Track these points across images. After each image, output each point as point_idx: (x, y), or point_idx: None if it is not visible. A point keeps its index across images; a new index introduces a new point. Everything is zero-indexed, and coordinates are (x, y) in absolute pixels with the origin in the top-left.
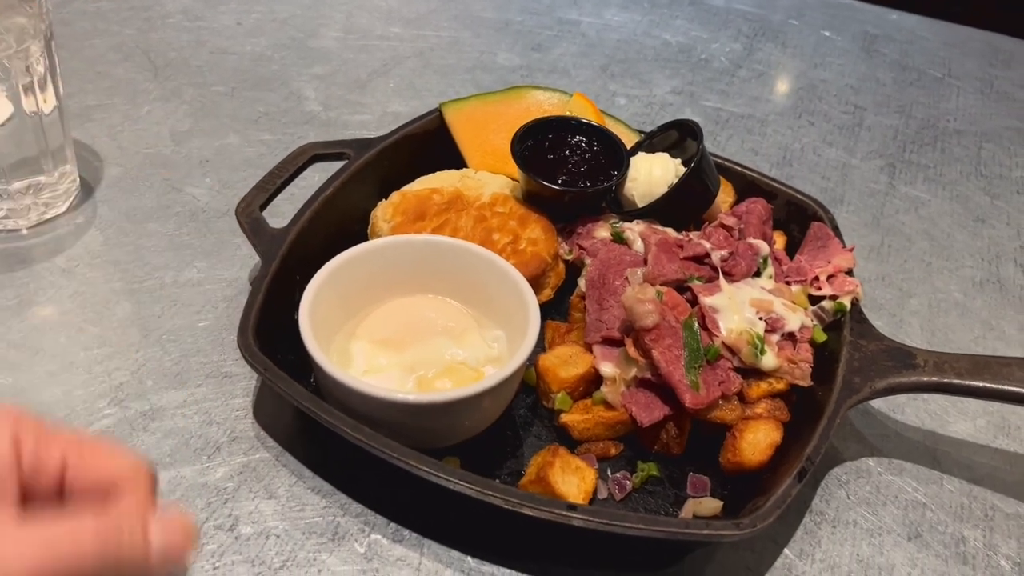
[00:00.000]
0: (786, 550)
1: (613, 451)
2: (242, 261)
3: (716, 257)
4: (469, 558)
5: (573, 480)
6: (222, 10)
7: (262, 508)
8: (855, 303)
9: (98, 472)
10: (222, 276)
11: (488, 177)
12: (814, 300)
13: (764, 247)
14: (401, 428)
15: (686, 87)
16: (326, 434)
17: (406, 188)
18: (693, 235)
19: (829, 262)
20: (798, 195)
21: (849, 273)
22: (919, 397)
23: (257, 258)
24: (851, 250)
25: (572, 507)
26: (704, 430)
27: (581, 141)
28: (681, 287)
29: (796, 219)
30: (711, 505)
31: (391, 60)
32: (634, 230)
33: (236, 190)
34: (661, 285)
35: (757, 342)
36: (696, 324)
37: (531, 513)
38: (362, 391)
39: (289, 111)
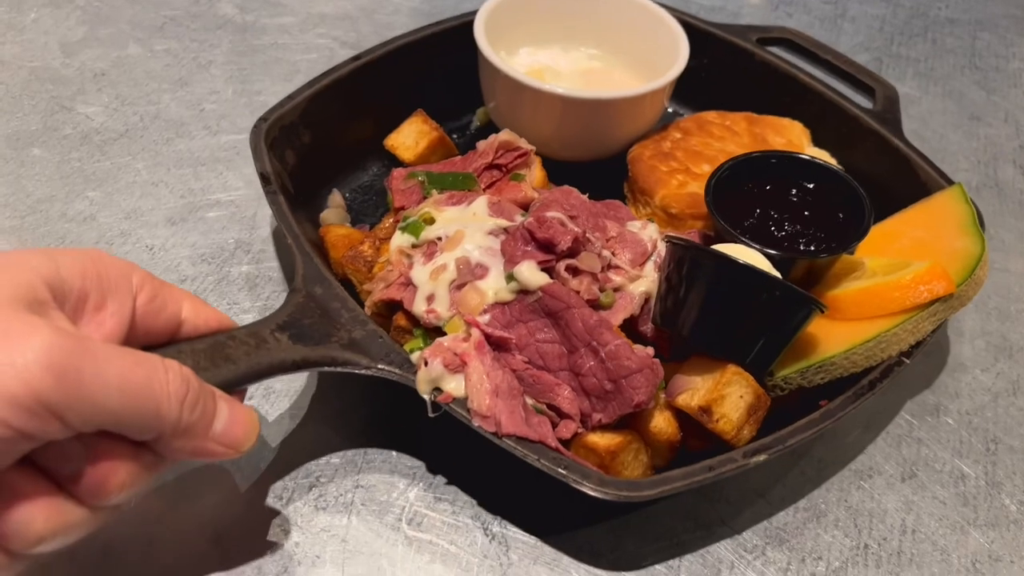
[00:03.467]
0: (764, 500)
1: None
2: (142, 188)
3: None
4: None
5: None
6: None
7: None
8: None
9: (208, 331)
10: (119, 206)
11: None
12: None
13: None
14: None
15: None
16: None
17: None
18: None
19: None
20: None
21: None
22: None
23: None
24: None
25: None
26: None
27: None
28: None
29: None
30: None
31: None
32: None
33: (137, 107)
34: None
35: None
36: None
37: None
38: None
39: (199, 16)
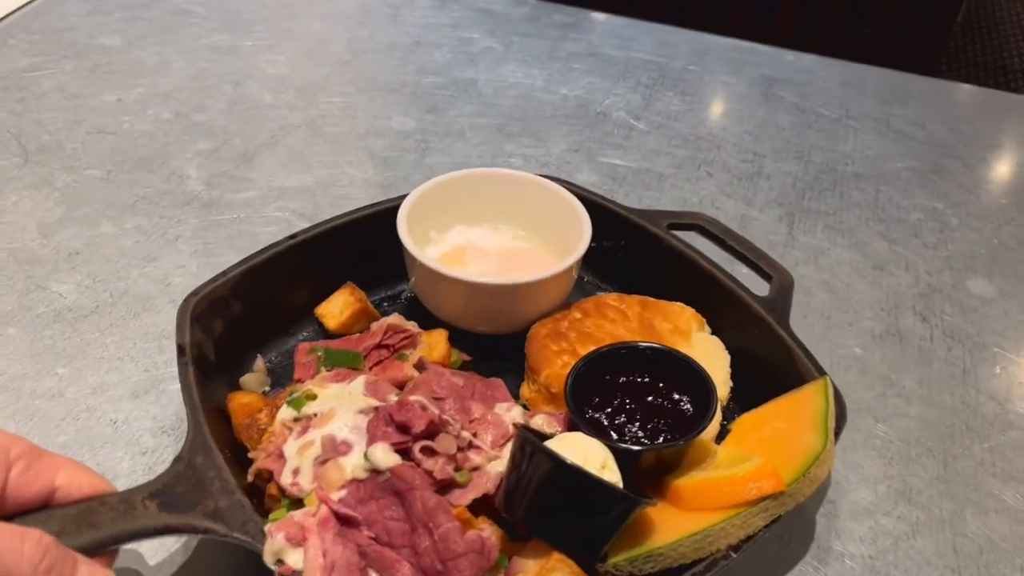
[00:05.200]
0: None
1: None
2: (109, 363)
3: None
4: None
5: None
6: (102, 86)
7: None
8: None
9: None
10: (86, 382)
11: None
12: None
13: None
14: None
15: (584, 144)
16: None
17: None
18: None
19: None
20: None
21: None
22: None
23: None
24: None
25: None
26: None
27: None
28: None
29: None
30: None
31: (280, 131)
32: None
33: (107, 283)
34: None
35: None
36: None
37: None
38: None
39: (169, 193)
